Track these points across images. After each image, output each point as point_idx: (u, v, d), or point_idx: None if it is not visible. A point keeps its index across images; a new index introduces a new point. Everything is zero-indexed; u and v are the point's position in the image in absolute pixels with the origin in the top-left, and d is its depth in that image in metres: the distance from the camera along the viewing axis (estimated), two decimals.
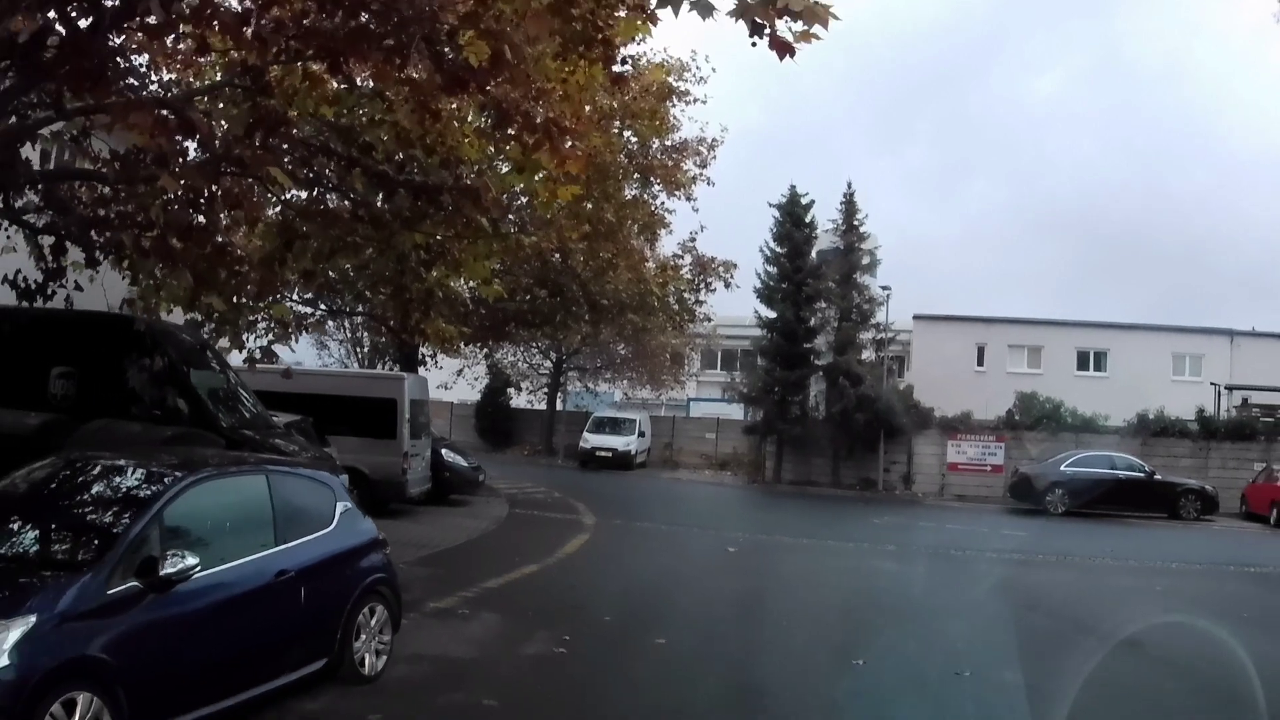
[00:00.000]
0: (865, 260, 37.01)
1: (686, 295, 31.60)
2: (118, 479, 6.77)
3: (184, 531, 6.29)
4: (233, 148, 8.64)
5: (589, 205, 20.71)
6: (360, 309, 25.92)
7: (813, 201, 36.55)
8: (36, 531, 6.31)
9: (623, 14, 9.36)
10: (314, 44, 8.16)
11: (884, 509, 29.43)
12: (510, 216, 17.68)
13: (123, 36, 7.86)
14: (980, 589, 15.62)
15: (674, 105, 26.10)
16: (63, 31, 7.42)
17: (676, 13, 6.69)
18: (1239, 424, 35.75)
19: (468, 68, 8.24)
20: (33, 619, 5.38)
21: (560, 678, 8.93)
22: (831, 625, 12.12)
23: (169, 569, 5.95)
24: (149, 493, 6.46)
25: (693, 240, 31.95)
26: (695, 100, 26.81)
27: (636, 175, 26.56)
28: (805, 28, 6.50)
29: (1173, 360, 44.45)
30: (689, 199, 28.77)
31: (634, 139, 26.01)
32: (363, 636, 7.91)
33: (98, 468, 6.94)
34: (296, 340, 18.50)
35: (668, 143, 27.59)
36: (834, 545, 20.20)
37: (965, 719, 8.33)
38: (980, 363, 45.56)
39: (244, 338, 12.49)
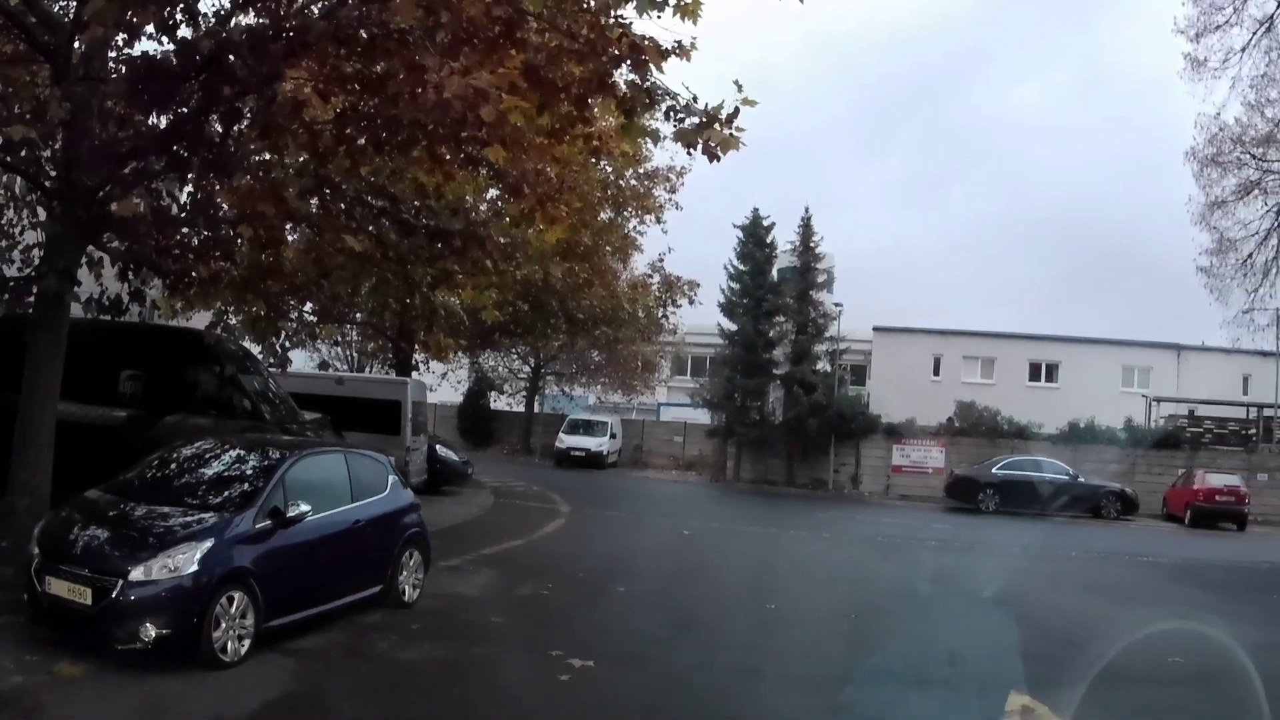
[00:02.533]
0: (821, 279, 40.09)
1: (655, 310, 34.64)
2: (252, 454, 9.80)
3: (297, 489, 9.28)
4: (307, 212, 11.57)
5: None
6: (357, 317, 28.43)
7: (773, 224, 39.82)
8: (205, 488, 9.30)
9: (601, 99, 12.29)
10: (370, 137, 11.12)
11: (830, 505, 32.42)
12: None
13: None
14: (890, 565, 18.73)
15: (645, 142, 28.69)
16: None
17: (635, 136, 9.79)
18: (1164, 434, 38.61)
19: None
20: (211, 541, 8.37)
21: (547, 608, 12.09)
22: (758, 585, 15.18)
23: (291, 513, 8.99)
24: (274, 462, 9.49)
25: (661, 260, 35.04)
26: (665, 137, 29.44)
27: (610, 203, 29.23)
28: (722, 148, 9.57)
29: (1122, 372, 46.78)
30: (659, 221, 31.73)
31: (608, 168, 28.62)
32: (404, 573, 10.97)
33: (237, 447, 9.96)
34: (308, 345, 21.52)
35: (640, 170, 30.32)
36: (777, 532, 23.20)
37: (838, 643, 11.37)
38: (936, 372, 47.89)
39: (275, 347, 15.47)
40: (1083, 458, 35.98)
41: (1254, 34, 23.67)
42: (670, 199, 31.70)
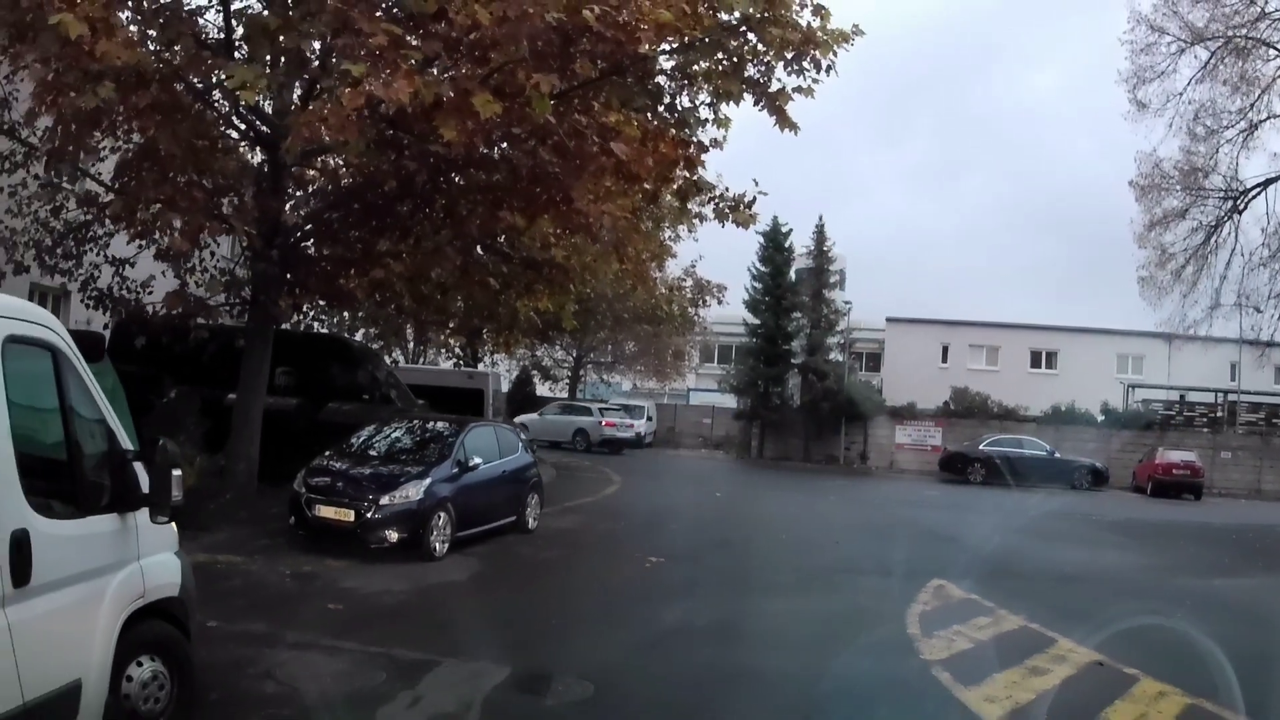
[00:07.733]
0: (833, 279, 44.91)
1: (689, 309, 39.61)
2: (440, 426, 14.89)
3: (472, 448, 14.34)
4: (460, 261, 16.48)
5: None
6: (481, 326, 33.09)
7: (791, 230, 44.35)
8: (416, 449, 14.41)
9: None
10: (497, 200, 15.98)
11: (839, 477, 37.30)
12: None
13: None
14: (878, 516, 23.58)
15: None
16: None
17: (687, 219, 14.70)
18: (1136, 415, 42.77)
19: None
20: (428, 480, 13.40)
21: (625, 534, 17.38)
22: (774, 525, 20.14)
23: (471, 463, 14.03)
24: (457, 430, 14.56)
25: (693, 266, 39.99)
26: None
27: (650, 217, 33.87)
28: (744, 223, 14.44)
29: (1117, 360, 50.45)
30: (691, 232, 36.48)
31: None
32: (529, 509, 16.03)
33: (428, 421, 15.07)
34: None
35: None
36: (790, 495, 28.16)
37: (826, 555, 16.32)
38: (945, 360, 51.60)
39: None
40: (1064, 437, 39.99)
41: (1190, 79, 28.14)
42: (704, 211, 36.28)
